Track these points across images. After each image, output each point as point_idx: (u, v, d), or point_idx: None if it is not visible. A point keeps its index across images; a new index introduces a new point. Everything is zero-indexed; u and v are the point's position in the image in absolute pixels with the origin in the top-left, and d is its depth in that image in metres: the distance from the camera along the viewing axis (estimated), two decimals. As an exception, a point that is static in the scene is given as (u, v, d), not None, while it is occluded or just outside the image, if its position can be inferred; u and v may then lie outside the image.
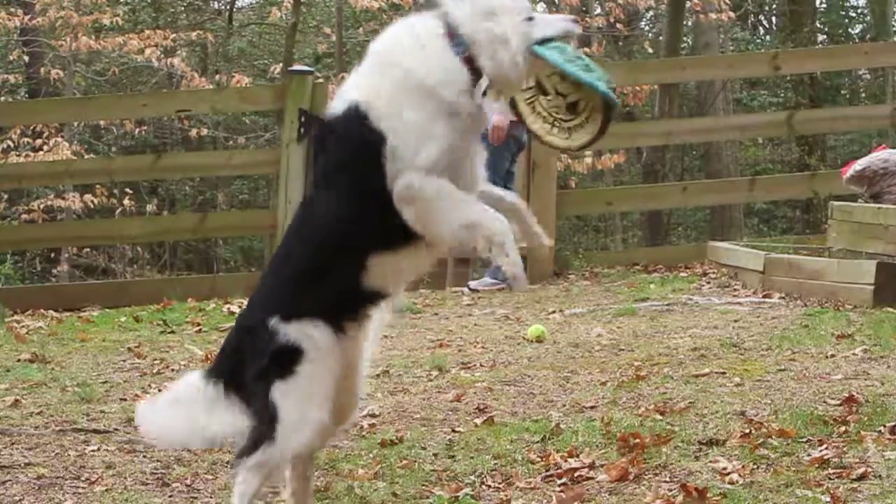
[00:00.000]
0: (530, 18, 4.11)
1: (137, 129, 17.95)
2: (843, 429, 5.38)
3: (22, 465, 5.45)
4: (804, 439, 5.30)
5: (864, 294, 8.41)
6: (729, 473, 4.91)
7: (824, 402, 5.89)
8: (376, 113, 4.02)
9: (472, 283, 10.55)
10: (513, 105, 4.38)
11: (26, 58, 17.99)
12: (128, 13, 20.48)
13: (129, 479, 5.26)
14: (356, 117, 4.04)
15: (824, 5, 24.77)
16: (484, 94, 4.12)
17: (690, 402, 5.99)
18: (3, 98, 18.59)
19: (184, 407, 4.27)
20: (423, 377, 6.98)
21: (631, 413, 5.92)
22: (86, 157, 16.96)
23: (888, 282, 8.35)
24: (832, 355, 6.89)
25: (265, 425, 4.12)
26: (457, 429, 5.87)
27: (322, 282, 4.11)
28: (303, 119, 11.19)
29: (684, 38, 21.52)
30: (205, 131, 18.46)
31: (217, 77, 18.83)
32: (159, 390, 6.95)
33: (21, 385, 7.17)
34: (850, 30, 24.93)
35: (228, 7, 23.26)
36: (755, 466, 4.99)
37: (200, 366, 7.64)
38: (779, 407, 5.81)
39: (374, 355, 4.50)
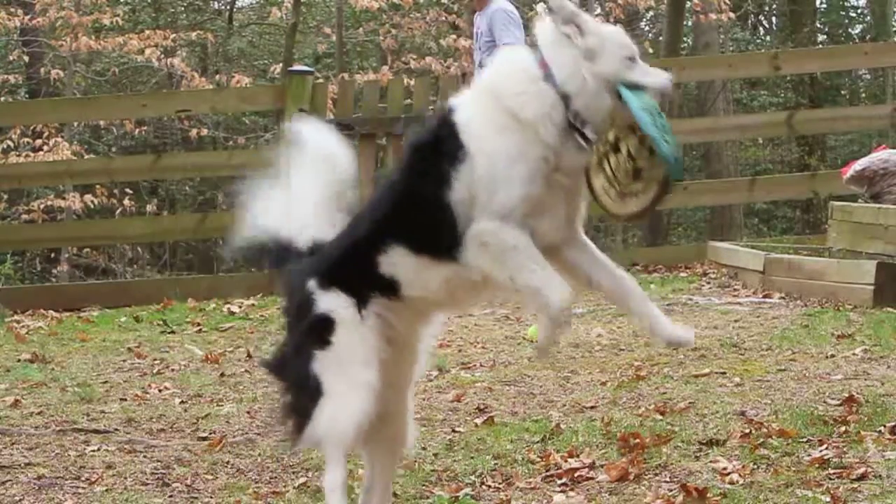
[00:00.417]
0: (631, 59, 3.99)
1: (137, 129, 17.92)
2: (843, 429, 5.38)
3: (22, 465, 5.46)
4: (804, 439, 5.30)
5: (864, 294, 8.41)
6: (729, 473, 4.91)
7: (824, 402, 5.89)
8: (469, 130, 3.96)
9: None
10: None
11: (26, 58, 17.98)
12: (128, 13, 20.48)
13: (129, 479, 5.26)
14: (450, 125, 3.99)
15: (824, 5, 24.76)
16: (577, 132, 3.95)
17: (690, 402, 5.99)
18: (3, 98, 18.57)
19: None
20: (424, 377, 6.98)
21: (631, 413, 5.92)
22: (86, 157, 16.94)
23: (888, 282, 8.35)
24: (832, 355, 6.90)
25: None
26: (457, 429, 5.87)
27: (358, 262, 4.09)
28: (303, 119, 11.19)
29: (684, 38, 21.50)
30: (205, 131, 18.43)
31: (217, 77, 18.81)
32: (159, 390, 6.96)
33: (21, 385, 7.17)
34: (850, 30, 24.92)
35: (228, 7, 23.26)
36: (755, 466, 4.99)
37: (200, 366, 7.66)
38: (779, 407, 5.81)
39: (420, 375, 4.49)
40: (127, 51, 17.40)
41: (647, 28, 23.92)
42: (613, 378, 6.67)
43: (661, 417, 5.77)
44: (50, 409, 6.50)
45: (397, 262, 4.06)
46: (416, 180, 4.03)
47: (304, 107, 11.21)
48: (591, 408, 6.11)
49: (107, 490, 5.12)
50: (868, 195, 10.05)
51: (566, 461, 5.18)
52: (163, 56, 17.31)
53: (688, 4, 18.38)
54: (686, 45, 21.89)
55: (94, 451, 5.68)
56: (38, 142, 16.51)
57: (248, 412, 6.36)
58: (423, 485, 5.04)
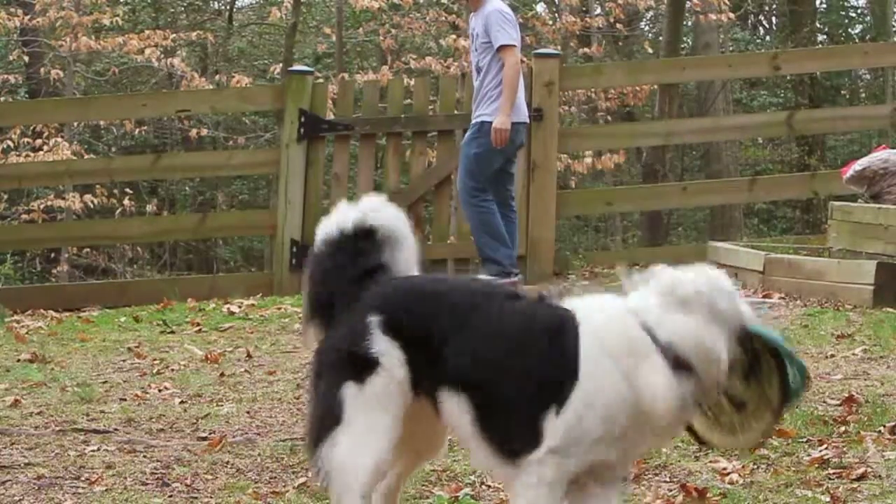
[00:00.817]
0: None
1: (137, 129, 17.92)
2: (843, 429, 5.39)
3: (22, 465, 5.46)
4: (804, 439, 5.30)
5: (864, 294, 8.40)
6: (729, 473, 4.91)
7: (824, 402, 5.89)
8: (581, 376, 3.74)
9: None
10: None
11: (26, 58, 17.96)
12: (128, 13, 20.47)
13: (129, 479, 5.26)
14: (573, 335, 3.77)
15: (824, 5, 24.76)
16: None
17: (690, 402, 5.98)
18: (3, 98, 18.56)
19: None
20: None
21: (631, 413, 5.91)
22: (86, 157, 16.92)
23: (888, 282, 8.34)
24: (832, 355, 6.89)
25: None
26: (457, 429, 5.86)
27: None
28: (302, 119, 11.19)
29: (684, 39, 21.51)
30: (205, 131, 18.44)
31: (217, 77, 18.81)
32: (159, 390, 6.96)
33: (21, 385, 7.17)
34: (850, 30, 24.92)
35: (228, 7, 23.26)
36: (755, 466, 4.99)
37: (200, 366, 7.65)
38: (779, 407, 5.81)
39: None
40: (127, 51, 17.39)
41: (647, 28, 23.94)
42: (613, 378, 6.66)
43: (660, 417, 5.76)
44: (50, 409, 6.50)
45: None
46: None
47: (304, 107, 11.21)
48: (591, 408, 6.10)
49: (106, 490, 5.12)
50: (868, 195, 10.04)
51: (566, 461, 5.17)
52: (163, 56, 17.30)
53: (688, 4, 18.39)
54: (686, 45, 21.90)
55: (93, 451, 5.68)
56: (38, 142, 16.50)
57: (248, 412, 6.36)
58: (423, 485, 5.04)
